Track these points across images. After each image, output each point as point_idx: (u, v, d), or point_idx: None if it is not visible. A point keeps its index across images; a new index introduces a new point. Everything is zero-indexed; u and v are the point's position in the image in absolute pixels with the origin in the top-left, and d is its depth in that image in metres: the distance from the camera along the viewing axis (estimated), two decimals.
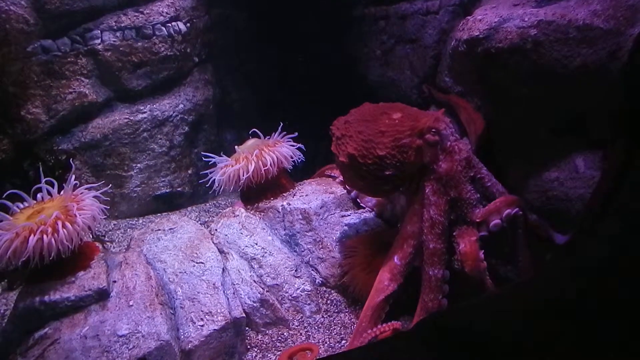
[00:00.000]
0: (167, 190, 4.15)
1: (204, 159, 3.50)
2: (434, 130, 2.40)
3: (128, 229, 3.71)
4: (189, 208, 4.18)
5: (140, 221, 3.89)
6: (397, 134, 2.39)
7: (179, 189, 4.22)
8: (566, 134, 2.67)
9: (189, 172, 4.31)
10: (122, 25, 3.87)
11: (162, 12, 4.00)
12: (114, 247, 3.38)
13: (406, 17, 3.99)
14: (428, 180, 2.44)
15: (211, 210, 4.07)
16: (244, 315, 2.56)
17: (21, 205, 2.55)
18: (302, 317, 2.72)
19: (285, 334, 2.65)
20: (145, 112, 4.02)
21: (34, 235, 2.26)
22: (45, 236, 2.27)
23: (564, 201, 2.65)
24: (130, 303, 2.37)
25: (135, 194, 4.02)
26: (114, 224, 3.79)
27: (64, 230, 2.31)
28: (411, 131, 2.39)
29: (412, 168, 2.43)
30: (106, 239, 3.44)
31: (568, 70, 2.46)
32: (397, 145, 2.39)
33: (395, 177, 2.44)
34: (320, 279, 2.85)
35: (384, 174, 2.43)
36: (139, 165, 4.02)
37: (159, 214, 4.05)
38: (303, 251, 2.91)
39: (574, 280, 1.39)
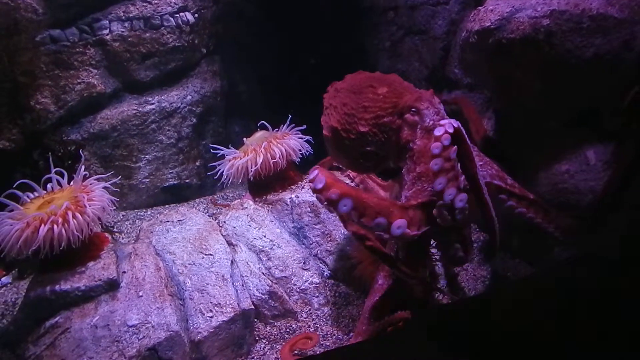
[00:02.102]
0: (175, 182, 4.16)
1: (212, 151, 3.50)
2: (414, 109, 2.26)
3: (136, 220, 3.72)
4: (197, 200, 4.18)
5: (149, 212, 3.90)
6: (379, 110, 2.29)
7: (186, 180, 4.23)
8: (577, 125, 2.64)
9: (197, 163, 4.31)
10: (131, 15, 3.86)
11: (171, 2, 3.99)
12: (122, 238, 3.39)
13: (416, 8, 3.96)
14: (404, 160, 2.30)
15: (219, 202, 4.07)
16: (252, 307, 2.56)
17: (31, 195, 2.57)
18: (310, 310, 2.72)
19: (293, 326, 2.65)
20: (153, 104, 4.02)
21: (45, 225, 2.28)
22: (55, 226, 2.28)
23: (574, 194, 2.62)
24: (140, 294, 2.38)
25: (143, 185, 4.03)
26: (123, 215, 3.80)
27: (74, 220, 2.32)
28: (393, 109, 2.28)
29: (393, 147, 2.33)
30: (115, 229, 3.45)
31: (581, 61, 2.42)
32: (378, 123, 2.29)
33: (376, 155, 2.37)
34: (329, 271, 2.84)
35: (366, 149, 2.36)
36: (147, 156, 4.02)
37: (167, 206, 4.06)
38: (311, 244, 2.90)
39: (579, 275, 1.38)
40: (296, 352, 2.41)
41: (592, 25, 2.38)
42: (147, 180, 4.04)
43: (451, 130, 1.97)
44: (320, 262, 2.86)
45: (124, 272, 2.49)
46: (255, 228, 2.93)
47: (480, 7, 2.72)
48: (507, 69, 2.63)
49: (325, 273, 2.84)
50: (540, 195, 2.68)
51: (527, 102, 2.70)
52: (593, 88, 2.50)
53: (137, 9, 3.89)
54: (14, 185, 2.54)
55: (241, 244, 2.85)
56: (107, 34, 3.82)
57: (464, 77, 3.67)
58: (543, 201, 2.51)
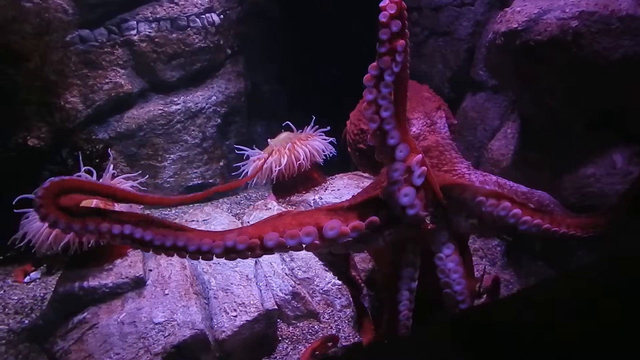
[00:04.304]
0: (199, 182, 4.20)
1: (236, 151, 3.52)
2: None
3: None
4: (220, 200, 4.21)
5: (173, 211, 3.94)
6: None
7: (210, 180, 4.26)
8: (603, 128, 2.60)
9: (221, 164, 4.35)
10: (158, 16, 3.92)
11: (197, 3, 4.03)
12: None
13: (440, 9, 3.94)
14: None
15: (242, 202, 4.10)
16: (275, 307, 2.56)
17: None
18: (332, 311, 2.72)
19: (315, 326, 2.65)
20: (179, 104, 4.07)
21: None
22: None
23: (600, 197, 2.58)
24: (166, 292, 2.41)
25: (168, 185, 4.08)
26: (148, 214, 3.84)
27: None
28: None
29: None
30: None
31: (608, 63, 2.39)
32: None
33: (366, 154, 2.39)
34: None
35: (359, 146, 2.41)
36: (172, 156, 4.07)
37: (191, 205, 4.09)
38: None
39: (605, 277, 1.36)
40: (317, 354, 2.42)
41: (621, 27, 2.35)
42: (172, 179, 4.09)
43: None
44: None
45: (150, 270, 2.52)
46: None
47: (507, 9, 2.70)
48: (533, 71, 2.61)
49: None
50: (564, 199, 2.65)
51: (553, 104, 2.67)
52: (620, 90, 2.47)
53: (164, 9, 3.95)
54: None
55: None
56: (135, 35, 3.88)
57: (488, 79, 3.64)
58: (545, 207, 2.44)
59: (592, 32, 2.37)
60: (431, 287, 2.26)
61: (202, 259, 1.57)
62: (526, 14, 2.54)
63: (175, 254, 1.57)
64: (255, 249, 1.61)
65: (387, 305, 2.09)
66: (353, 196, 2.05)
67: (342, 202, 1.91)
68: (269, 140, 3.37)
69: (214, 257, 1.57)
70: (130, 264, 2.49)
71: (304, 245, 1.70)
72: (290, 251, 1.72)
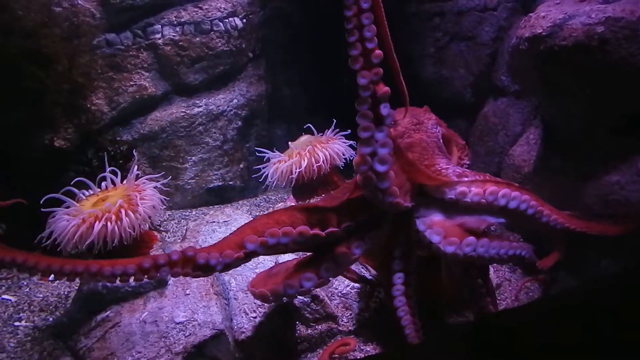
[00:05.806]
0: (219, 184, 4.24)
1: (257, 154, 3.56)
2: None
3: (182, 220, 3.80)
4: (240, 202, 4.24)
5: (194, 213, 3.99)
6: None
7: (230, 182, 4.30)
8: (628, 134, 2.57)
9: (241, 166, 4.38)
10: (182, 20, 3.98)
11: (220, 7, 4.08)
12: (168, 237, 3.47)
13: (462, 14, 3.94)
14: None
15: (262, 204, 4.12)
16: (294, 309, 2.58)
17: (87, 193, 2.67)
18: (351, 314, 2.72)
19: (334, 329, 2.65)
20: (201, 106, 4.12)
21: (99, 222, 2.37)
22: (109, 223, 2.37)
23: (625, 205, 2.55)
24: (187, 292, 2.43)
25: (189, 186, 4.12)
26: (169, 215, 3.89)
27: (127, 218, 2.41)
28: None
29: None
30: (161, 228, 3.54)
31: (634, 69, 2.37)
32: None
33: None
34: (370, 277, 2.84)
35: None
36: (193, 158, 4.12)
37: (211, 207, 4.14)
38: None
39: (625, 287, 1.35)
40: (335, 356, 2.42)
41: None
42: (193, 181, 4.13)
43: None
44: (362, 267, 2.86)
45: None
46: None
47: (531, 14, 2.69)
48: (557, 76, 2.59)
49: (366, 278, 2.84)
50: (587, 206, 2.62)
51: (577, 110, 2.65)
52: None
53: (188, 14, 4.00)
54: (71, 183, 2.66)
55: None
56: (159, 38, 3.94)
57: (511, 84, 3.63)
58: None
59: (619, 38, 2.35)
60: (434, 292, 2.27)
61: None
62: (551, 20, 2.52)
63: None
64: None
65: (390, 311, 2.11)
66: (331, 194, 2.08)
67: (317, 201, 1.94)
68: (289, 143, 3.40)
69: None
70: None
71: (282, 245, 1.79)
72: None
